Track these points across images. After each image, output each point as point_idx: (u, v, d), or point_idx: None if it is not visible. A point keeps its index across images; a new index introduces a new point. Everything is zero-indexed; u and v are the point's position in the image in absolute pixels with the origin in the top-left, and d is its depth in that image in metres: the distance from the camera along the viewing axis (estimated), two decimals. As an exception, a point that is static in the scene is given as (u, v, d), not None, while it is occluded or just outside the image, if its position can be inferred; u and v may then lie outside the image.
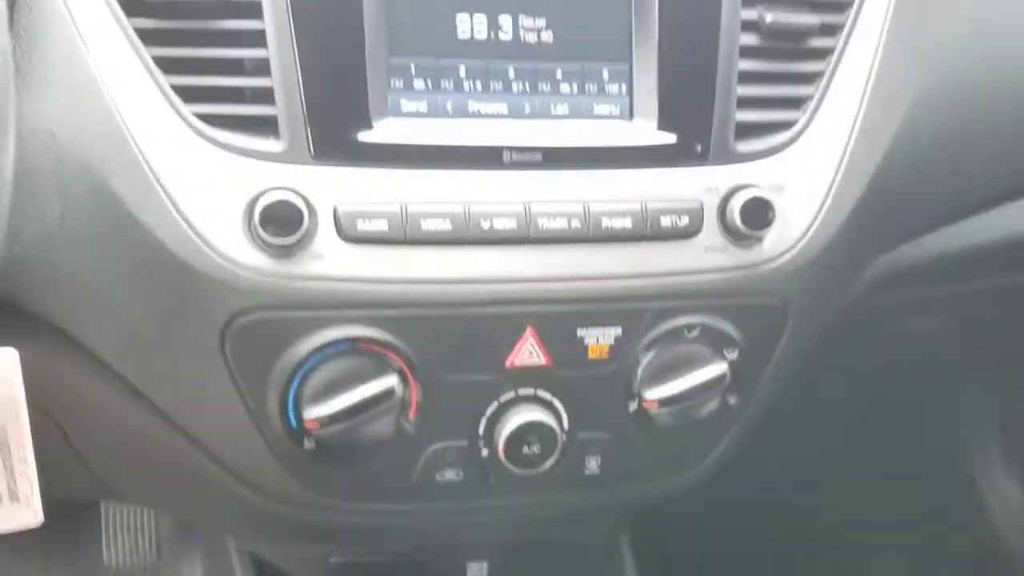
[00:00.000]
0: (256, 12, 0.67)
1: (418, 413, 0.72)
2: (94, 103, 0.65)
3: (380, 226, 0.68)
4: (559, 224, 0.71)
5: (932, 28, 0.84)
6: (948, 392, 1.36)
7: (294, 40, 0.67)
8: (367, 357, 0.69)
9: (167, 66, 0.66)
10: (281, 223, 0.65)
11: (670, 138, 0.74)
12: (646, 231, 0.72)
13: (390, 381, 0.69)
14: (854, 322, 0.90)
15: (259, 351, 0.69)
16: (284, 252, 0.66)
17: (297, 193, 0.65)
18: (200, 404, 0.72)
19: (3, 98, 0.63)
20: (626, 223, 0.72)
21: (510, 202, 0.70)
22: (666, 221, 0.73)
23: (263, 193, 0.65)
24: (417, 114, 0.71)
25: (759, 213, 0.73)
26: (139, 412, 0.73)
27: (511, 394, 0.74)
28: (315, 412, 0.69)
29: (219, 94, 0.67)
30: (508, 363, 0.73)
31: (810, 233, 0.77)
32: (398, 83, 0.71)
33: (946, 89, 0.84)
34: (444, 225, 0.69)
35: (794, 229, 0.77)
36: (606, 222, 0.72)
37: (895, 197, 0.82)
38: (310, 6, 0.67)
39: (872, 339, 1.11)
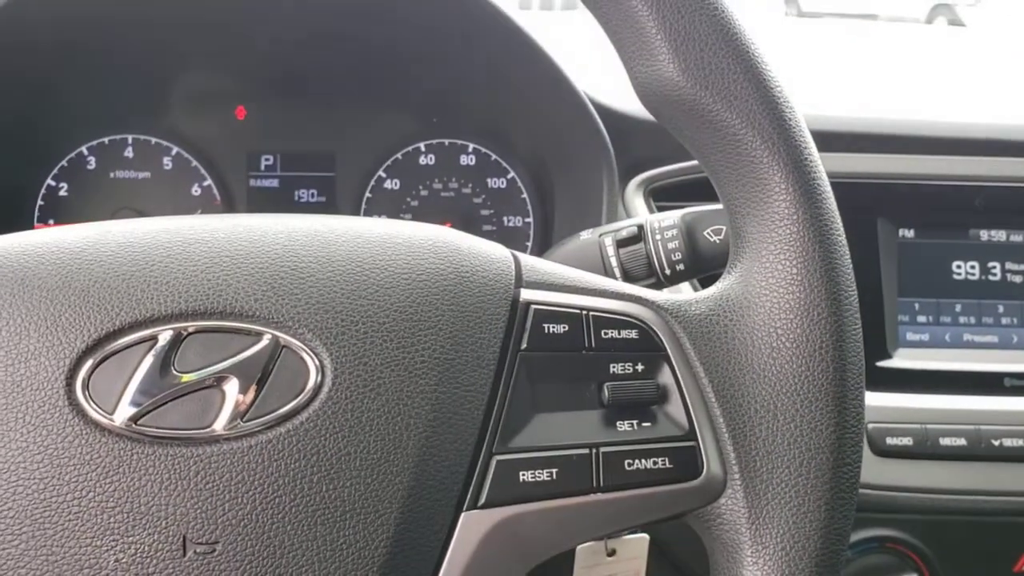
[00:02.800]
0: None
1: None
2: None
3: (906, 442, 0.80)
4: None
5: None
6: None
7: None
8: (892, 555, 0.80)
9: None
10: None
11: None
12: None
13: (911, 578, 0.80)
14: None
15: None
16: None
17: None
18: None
19: None
20: None
21: (1017, 423, 0.81)
22: None
23: None
24: (920, 344, 0.84)
25: None
26: None
27: None
28: None
29: None
30: (1016, 568, 0.81)
31: None
32: (904, 318, 0.85)
33: None
34: (959, 442, 0.80)
35: None
36: None
37: None
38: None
39: None
